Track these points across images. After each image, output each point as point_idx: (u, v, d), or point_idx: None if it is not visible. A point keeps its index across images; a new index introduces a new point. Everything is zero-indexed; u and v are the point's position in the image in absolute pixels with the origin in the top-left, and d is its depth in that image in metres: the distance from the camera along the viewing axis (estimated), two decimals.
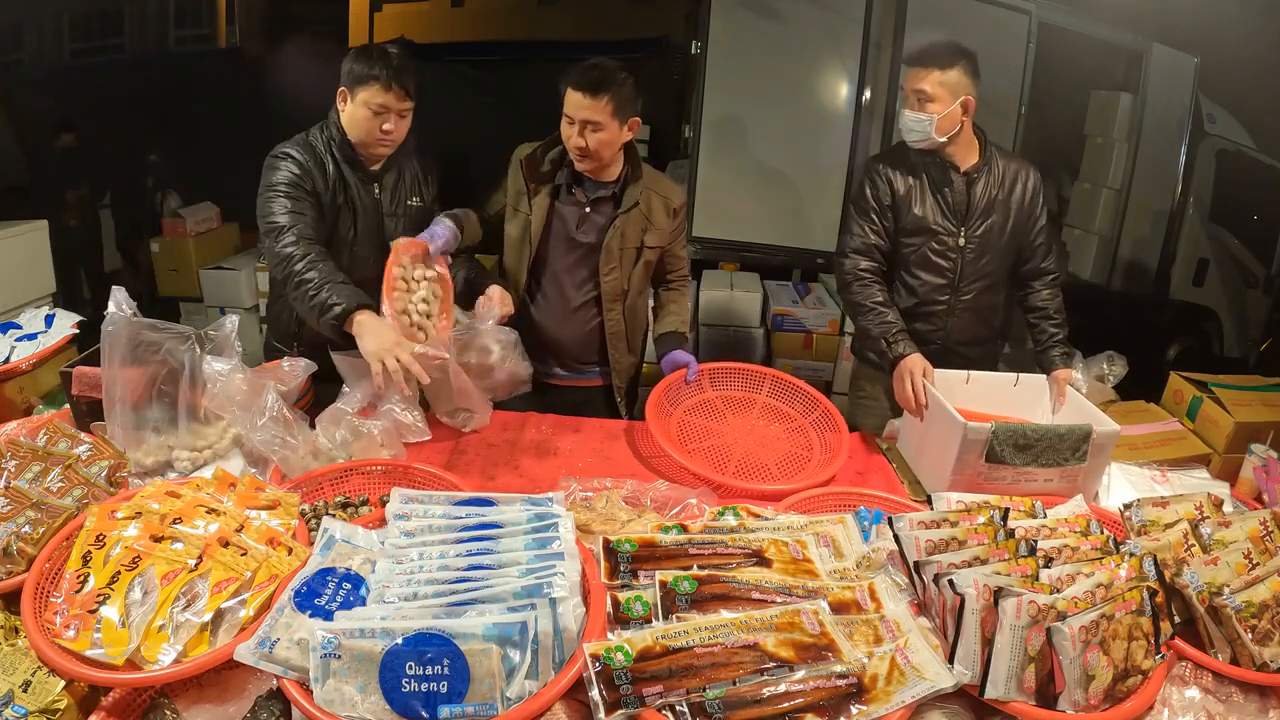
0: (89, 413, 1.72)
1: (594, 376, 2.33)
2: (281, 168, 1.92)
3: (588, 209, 2.14)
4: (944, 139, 2.02)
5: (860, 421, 2.30)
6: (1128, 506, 1.52)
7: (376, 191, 2.06)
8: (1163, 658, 1.20)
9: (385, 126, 1.93)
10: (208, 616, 1.15)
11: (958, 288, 2.17)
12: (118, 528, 1.24)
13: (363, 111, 1.92)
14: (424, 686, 1.02)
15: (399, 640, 1.04)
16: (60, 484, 1.42)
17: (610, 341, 2.26)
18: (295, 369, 1.75)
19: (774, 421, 2.12)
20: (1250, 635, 1.23)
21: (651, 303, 2.38)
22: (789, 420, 2.12)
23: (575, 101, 1.96)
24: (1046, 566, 1.29)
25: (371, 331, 1.72)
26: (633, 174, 2.14)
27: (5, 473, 1.41)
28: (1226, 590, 1.27)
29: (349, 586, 1.20)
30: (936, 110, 1.99)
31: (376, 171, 2.05)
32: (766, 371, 2.22)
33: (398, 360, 1.67)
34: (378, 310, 1.78)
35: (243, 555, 1.24)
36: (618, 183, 2.13)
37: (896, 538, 1.36)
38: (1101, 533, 1.42)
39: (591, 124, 1.96)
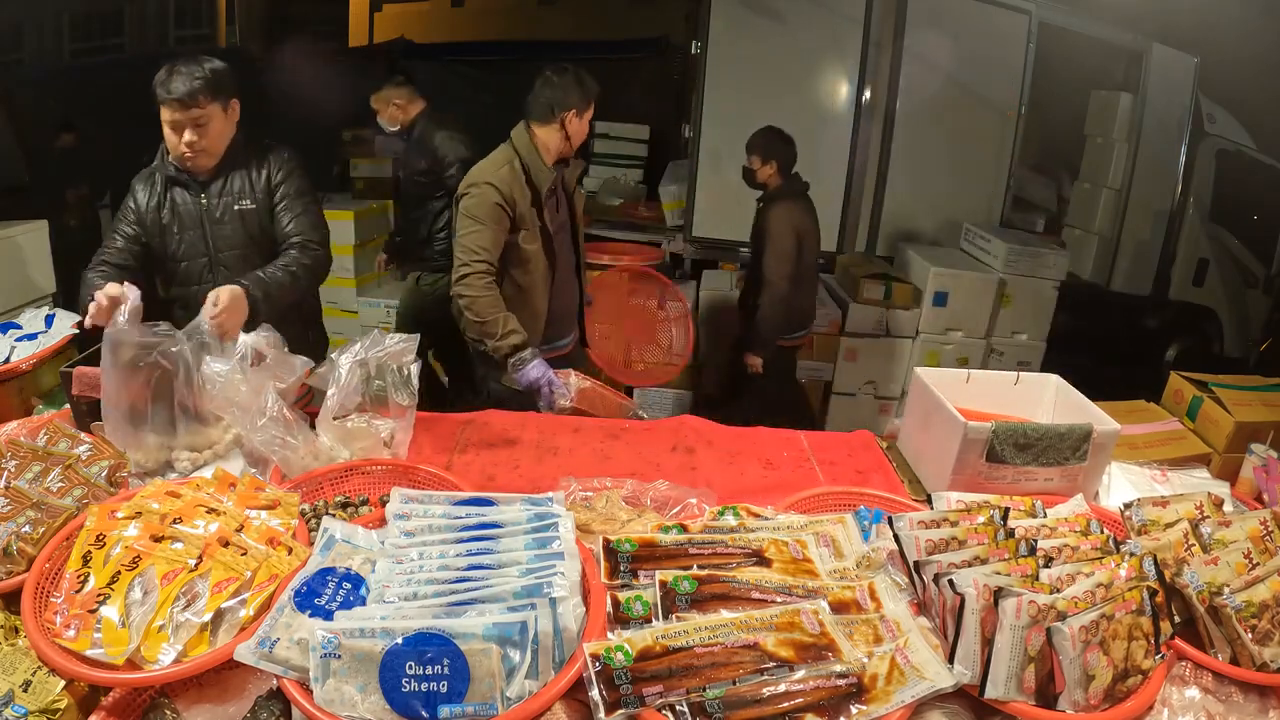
0: (89, 413, 1.71)
1: (571, 342, 2.46)
2: (124, 201, 2.07)
3: (560, 191, 2.28)
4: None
5: None
6: (1128, 506, 1.52)
7: (203, 201, 2.07)
8: (1163, 658, 1.20)
9: (187, 138, 1.96)
10: (208, 616, 1.15)
11: None
12: (118, 528, 1.24)
13: (166, 129, 1.98)
14: (424, 686, 1.02)
15: (399, 640, 1.03)
16: (60, 484, 1.42)
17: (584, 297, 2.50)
18: (294, 368, 1.74)
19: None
20: (1250, 635, 1.22)
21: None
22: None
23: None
24: (1046, 566, 1.29)
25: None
26: None
27: (5, 473, 1.41)
28: (1226, 590, 1.27)
29: (349, 586, 1.20)
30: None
31: (204, 181, 2.07)
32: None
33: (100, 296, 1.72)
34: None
35: (243, 555, 1.23)
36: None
37: (896, 537, 1.36)
38: (1102, 532, 1.42)
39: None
